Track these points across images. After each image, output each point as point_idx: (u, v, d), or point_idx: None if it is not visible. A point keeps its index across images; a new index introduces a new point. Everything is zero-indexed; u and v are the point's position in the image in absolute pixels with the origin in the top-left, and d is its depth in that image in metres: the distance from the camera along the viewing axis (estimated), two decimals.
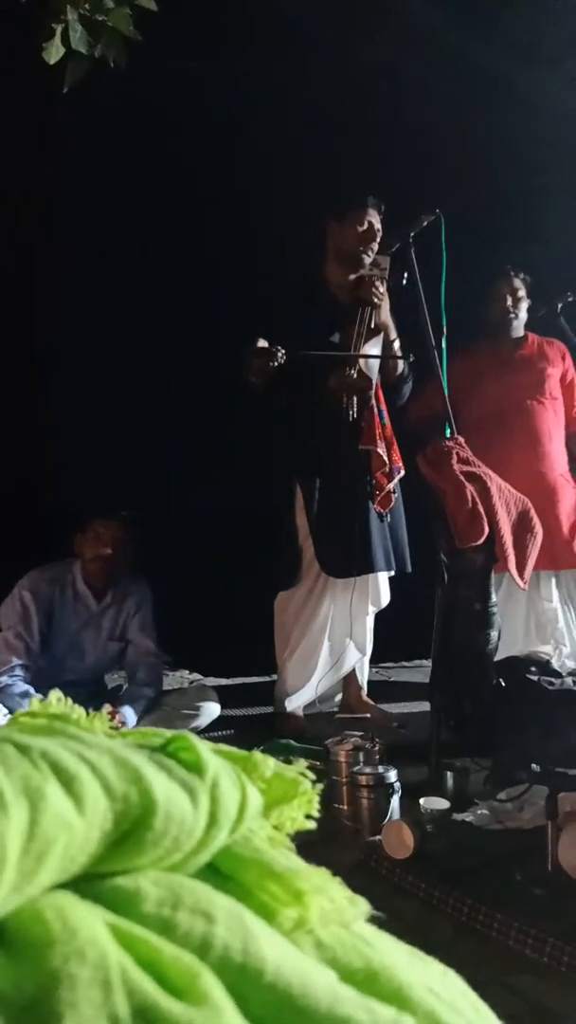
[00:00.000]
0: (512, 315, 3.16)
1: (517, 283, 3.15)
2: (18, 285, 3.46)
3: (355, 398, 2.68)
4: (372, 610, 2.91)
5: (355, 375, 2.67)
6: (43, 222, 3.39)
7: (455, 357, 2.97)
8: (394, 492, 2.77)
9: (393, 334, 2.81)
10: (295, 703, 2.83)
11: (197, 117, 3.40)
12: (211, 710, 2.64)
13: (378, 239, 2.81)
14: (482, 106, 3.52)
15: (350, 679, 2.98)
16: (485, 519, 2.20)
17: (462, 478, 2.22)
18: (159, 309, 3.55)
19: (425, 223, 2.45)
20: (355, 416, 2.68)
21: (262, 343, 2.54)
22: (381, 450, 2.68)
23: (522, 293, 3.16)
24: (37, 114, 3.05)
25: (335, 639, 2.83)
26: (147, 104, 3.23)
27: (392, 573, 2.90)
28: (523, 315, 3.19)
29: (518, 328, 3.21)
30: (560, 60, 3.50)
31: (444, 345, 2.40)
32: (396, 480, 2.75)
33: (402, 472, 2.74)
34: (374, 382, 2.73)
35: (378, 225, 2.81)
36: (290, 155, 3.40)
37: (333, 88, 3.38)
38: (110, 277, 3.46)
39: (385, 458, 2.69)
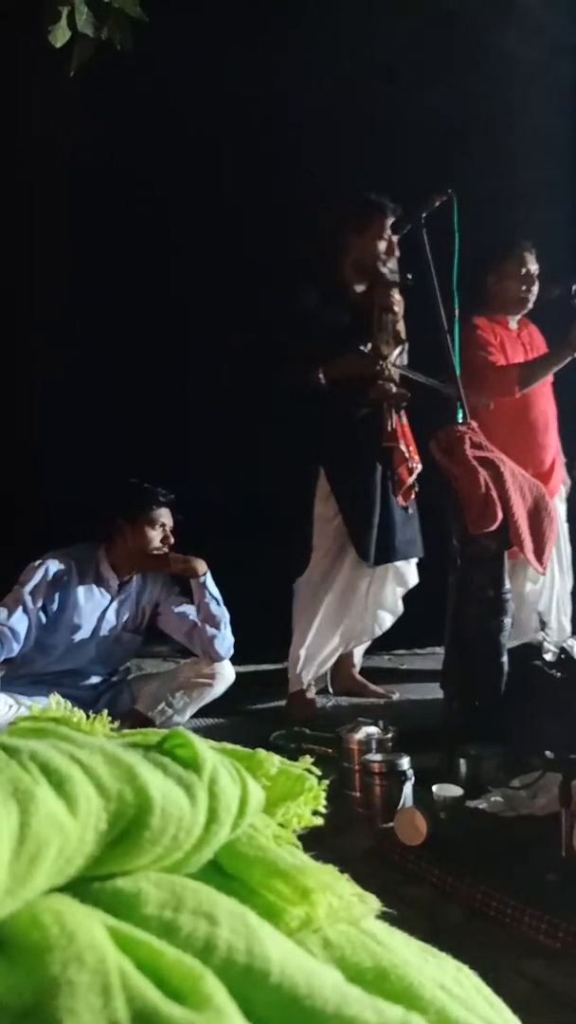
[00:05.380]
0: (531, 294, 3.08)
1: (534, 261, 3.08)
2: (21, 266, 3.45)
3: (391, 408, 2.79)
4: (400, 591, 3.01)
5: (394, 389, 2.76)
6: (45, 213, 3.36)
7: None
8: (414, 487, 2.87)
9: (404, 340, 2.86)
10: (307, 679, 2.88)
11: (202, 103, 3.35)
12: (226, 677, 2.60)
13: (396, 251, 2.82)
14: (494, 84, 3.45)
15: (343, 657, 3.03)
16: (499, 504, 2.18)
17: (475, 463, 2.19)
18: (169, 295, 3.52)
19: (437, 203, 2.40)
20: (392, 427, 2.79)
21: (365, 348, 2.64)
22: (403, 447, 2.80)
23: (537, 272, 3.09)
24: (44, 96, 3.03)
25: (352, 620, 2.90)
26: (155, 87, 3.19)
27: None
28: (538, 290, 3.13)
29: (527, 309, 3.14)
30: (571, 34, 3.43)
31: (456, 328, 2.36)
32: (415, 475, 2.85)
33: (420, 468, 2.83)
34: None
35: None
36: (295, 137, 3.35)
37: (344, 68, 3.32)
38: (119, 262, 3.43)
39: (406, 454, 2.81)
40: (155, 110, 3.30)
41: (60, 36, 2.24)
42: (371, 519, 2.80)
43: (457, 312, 2.33)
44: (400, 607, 3.04)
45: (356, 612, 2.90)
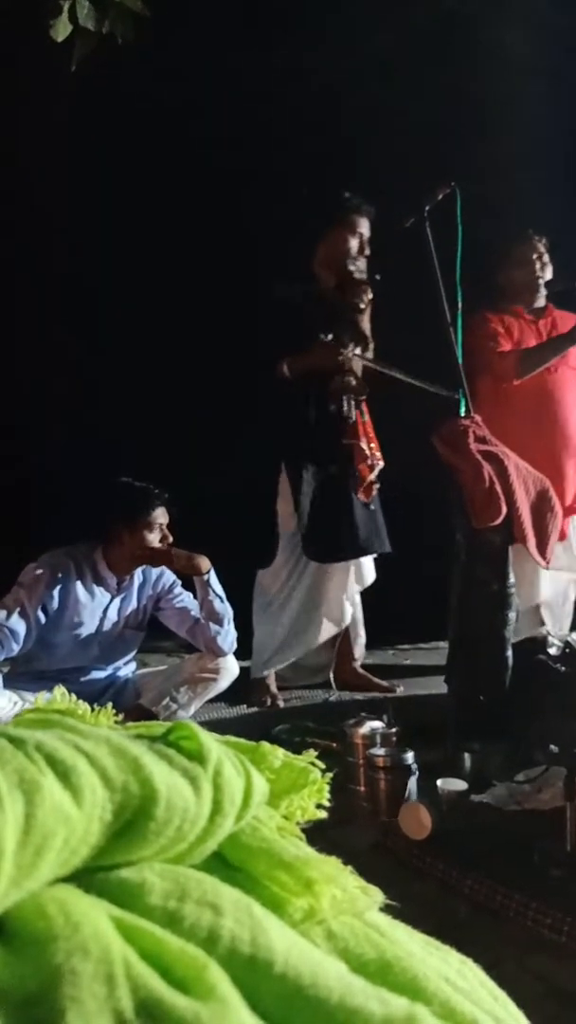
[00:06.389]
0: (541, 279, 3.07)
1: (542, 247, 3.06)
2: (21, 266, 3.45)
3: (352, 401, 2.80)
4: (357, 588, 3.04)
5: (353, 382, 2.78)
6: (44, 211, 3.36)
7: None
8: (376, 483, 2.88)
9: (369, 338, 2.87)
10: (268, 669, 2.93)
11: (201, 100, 3.34)
12: (231, 671, 2.59)
13: (367, 249, 2.86)
14: (499, 75, 3.43)
15: (343, 652, 3.05)
16: (503, 498, 2.17)
17: (479, 457, 2.19)
18: (148, 298, 3.51)
19: (440, 196, 2.39)
20: (350, 417, 2.80)
21: (326, 337, 2.62)
22: (363, 444, 2.81)
23: (547, 258, 3.08)
24: (44, 92, 3.02)
25: (311, 612, 2.95)
26: (154, 82, 3.18)
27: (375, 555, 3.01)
28: (547, 280, 3.10)
29: (542, 295, 3.12)
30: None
31: (460, 322, 2.35)
32: (376, 472, 2.86)
33: (382, 464, 2.85)
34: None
35: (368, 233, 2.85)
36: (294, 134, 3.34)
37: (344, 61, 3.31)
38: (117, 262, 3.43)
39: (367, 451, 2.81)
40: (154, 106, 3.29)
41: (61, 30, 2.23)
42: (323, 518, 2.82)
43: (460, 305, 2.32)
44: (358, 602, 3.07)
45: (320, 605, 2.94)
